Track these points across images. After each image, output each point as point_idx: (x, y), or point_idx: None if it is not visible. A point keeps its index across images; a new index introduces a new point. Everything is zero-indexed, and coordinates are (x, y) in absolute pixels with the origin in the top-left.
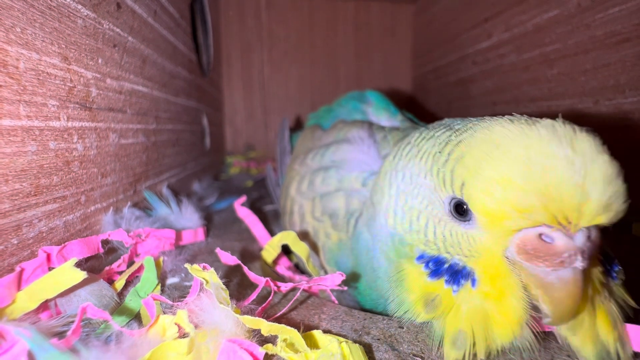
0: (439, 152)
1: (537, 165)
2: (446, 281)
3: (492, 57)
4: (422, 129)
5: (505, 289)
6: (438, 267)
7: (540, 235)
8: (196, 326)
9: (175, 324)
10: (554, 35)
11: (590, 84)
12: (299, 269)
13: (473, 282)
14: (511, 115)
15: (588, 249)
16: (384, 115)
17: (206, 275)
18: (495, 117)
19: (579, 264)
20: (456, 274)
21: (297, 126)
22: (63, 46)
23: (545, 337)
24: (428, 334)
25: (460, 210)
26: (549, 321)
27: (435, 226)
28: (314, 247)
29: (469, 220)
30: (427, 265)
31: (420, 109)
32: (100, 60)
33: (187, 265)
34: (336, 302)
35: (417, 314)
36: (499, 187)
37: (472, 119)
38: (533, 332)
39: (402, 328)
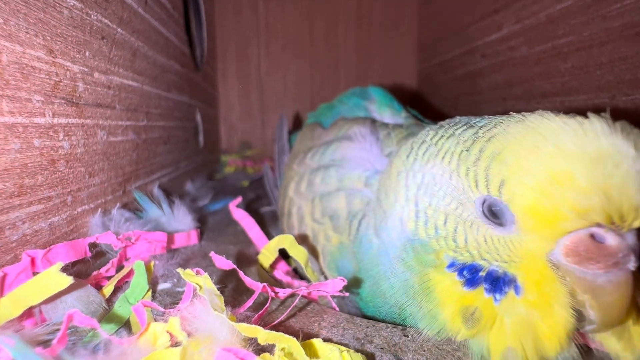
0: (466, 150)
1: (600, 162)
2: (486, 290)
3: (502, 50)
4: (434, 127)
5: (552, 295)
6: (474, 274)
7: (591, 235)
8: (189, 334)
9: (167, 332)
10: (568, 27)
11: (606, 78)
12: (298, 273)
13: (517, 289)
14: (541, 111)
15: (638, 248)
16: (387, 113)
17: (200, 281)
18: (523, 113)
19: (632, 264)
20: (497, 282)
21: (296, 126)
22: (48, 38)
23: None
24: (435, 343)
25: (494, 212)
26: (593, 328)
27: (467, 231)
28: (313, 251)
29: (504, 224)
30: (460, 273)
31: (425, 104)
32: (87, 53)
33: (179, 270)
34: (337, 309)
35: (455, 330)
36: (556, 185)
37: (492, 116)
38: (576, 345)
39: (407, 336)
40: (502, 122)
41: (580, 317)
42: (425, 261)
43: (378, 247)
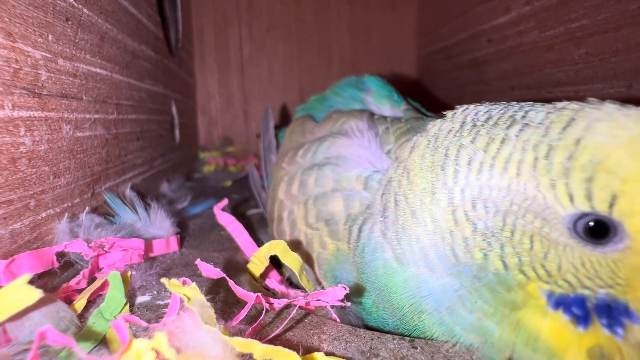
0: (544, 158)
1: None
2: (604, 325)
3: (511, 35)
4: (465, 126)
5: None
6: (582, 308)
7: None
8: (178, 351)
9: (153, 348)
10: (581, 10)
11: (622, 65)
12: (292, 284)
13: (632, 317)
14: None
15: None
16: (386, 105)
17: (187, 292)
18: (592, 101)
19: None
20: (611, 313)
21: (284, 120)
22: (6, 20)
23: None
24: (446, 354)
25: (594, 230)
26: None
27: (560, 255)
28: (307, 259)
29: (609, 242)
30: (568, 310)
31: (426, 94)
32: (50, 37)
33: (164, 280)
34: (338, 320)
35: None
36: None
37: (538, 105)
38: None
39: (416, 348)
40: (575, 120)
41: None
42: (512, 302)
43: (401, 274)
